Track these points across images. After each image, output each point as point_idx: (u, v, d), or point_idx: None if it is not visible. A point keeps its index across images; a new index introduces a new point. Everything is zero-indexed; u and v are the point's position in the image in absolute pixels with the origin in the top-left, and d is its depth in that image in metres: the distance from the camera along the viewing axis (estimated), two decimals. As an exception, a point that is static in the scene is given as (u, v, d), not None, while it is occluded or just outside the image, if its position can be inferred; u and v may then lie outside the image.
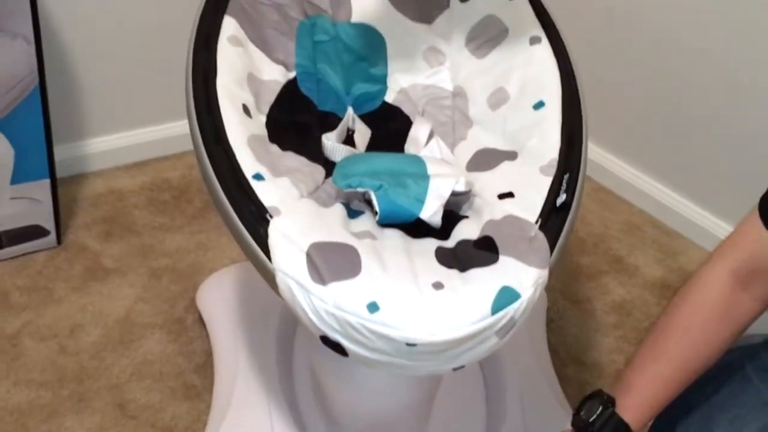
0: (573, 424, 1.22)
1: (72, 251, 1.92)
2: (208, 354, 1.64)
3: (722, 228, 2.05)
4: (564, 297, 1.92)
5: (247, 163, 1.10)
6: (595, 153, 2.34)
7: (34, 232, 1.88)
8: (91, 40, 2.02)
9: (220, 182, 1.10)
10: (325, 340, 0.99)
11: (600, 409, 1.20)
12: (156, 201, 2.10)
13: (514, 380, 1.52)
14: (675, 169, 2.15)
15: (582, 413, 1.22)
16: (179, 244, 1.97)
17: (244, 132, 1.15)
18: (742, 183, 1.88)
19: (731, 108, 1.95)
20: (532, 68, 1.31)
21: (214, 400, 1.51)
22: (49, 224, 1.89)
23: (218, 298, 1.72)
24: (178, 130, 2.25)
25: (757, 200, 1.19)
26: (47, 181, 1.84)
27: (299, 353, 1.57)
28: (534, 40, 1.34)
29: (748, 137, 1.94)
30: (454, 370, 1.00)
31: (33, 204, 1.84)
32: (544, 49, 1.32)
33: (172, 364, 1.67)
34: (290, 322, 1.62)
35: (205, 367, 1.65)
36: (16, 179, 1.79)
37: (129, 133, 2.22)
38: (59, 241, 1.92)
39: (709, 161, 2.05)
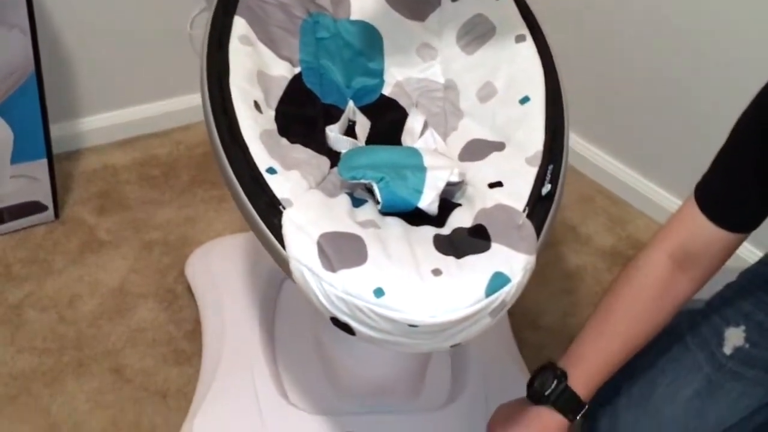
0: (528, 394, 1.25)
1: (69, 225, 1.93)
2: (197, 322, 1.66)
3: (666, 198, 2.09)
4: (522, 264, 1.94)
5: (261, 158, 1.13)
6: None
7: (34, 207, 1.88)
8: (83, 26, 2.02)
9: (236, 177, 1.12)
10: (335, 321, 1.02)
11: (554, 382, 1.22)
12: (146, 176, 2.11)
13: (475, 345, 1.55)
14: (624, 143, 2.18)
15: (536, 385, 1.24)
16: (169, 217, 1.98)
17: (256, 129, 1.17)
18: (685, 157, 1.91)
19: (677, 88, 1.97)
20: (518, 65, 1.33)
21: (202, 365, 1.53)
22: (47, 200, 1.89)
23: (206, 269, 1.73)
24: (166, 107, 2.26)
25: (700, 173, 1.21)
26: (44, 161, 1.85)
27: (279, 320, 1.59)
28: (519, 38, 1.35)
29: (692, 115, 1.96)
30: (452, 347, 1.04)
31: (32, 182, 1.84)
32: (529, 47, 1.34)
33: (164, 331, 1.69)
34: (272, 291, 1.64)
35: (194, 333, 1.67)
36: (15, 159, 1.80)
37: (120, 111, 2.22)
38: (57, 215, 1.93)
39: (655, 137, 2.09)
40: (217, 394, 1.42)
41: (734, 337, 1.29)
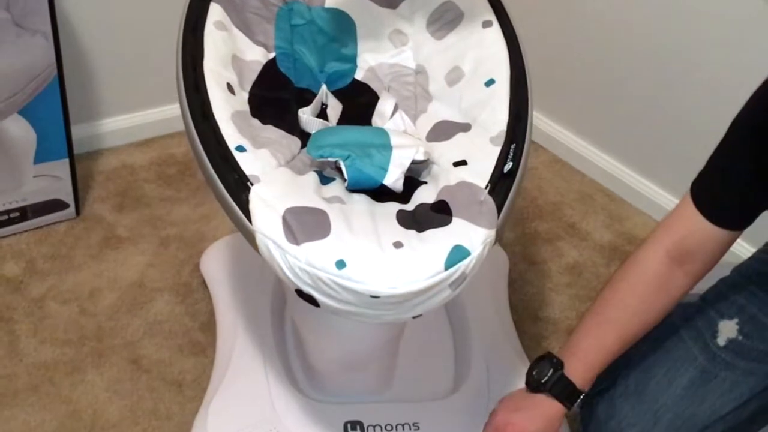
0: (527, 383, 1.26)
1: (89, 222, 1.93)
2: (211, 314, 1.66)
3: (663, 197, 2.09)
4: (523, 259, 1.95)
5: (231, 137, 1.13)
6: (551, 128, 2.36)
7: (56, 205, 1.89)
8: (103, 32, 2.03)
9: (207, 154, 1.12)
10: (300, 293, 1.03)
11: (551, 371, 1.23)
12: (163, 175, 2.11)
13: (479, 336, 1.55)
14: (623, 143, 2.18)
15: (534, 373, 1.24)
16: (185, 214, 1.98)
17: (228, 109, 1.17)
18: (681, 157, 1.91)
19: (674, 88, 1.97)
20: (485, 49, 1.33)
21: (216, 356, 1.53)
22: (68, 198, 1.90)
23: (220, 264, 1.73)
24: (182, 110, 2.25)
25: (695, 172, 1.21)
26: (66, 161, 1.86)
27: (290, 312, 1.59)
28: (486, 24, 1.36)
29: (688, 118, 1.96)
30: (414, 318, 1.04)
31: (54, 180, 1.85)
32: (496, 32, 1.35)
33: (180, 323, 1.69)
34: (282, 285, 1.64)
35: (209, 325, 1.67)
36: (38, 159, 1.81)
37: (138, 113, 2.22)
38: (78, 212, 1.94)
39: (653, 137, 2.08)
40: (231, 384, 1.43)
41: (728, 329, 1.29)
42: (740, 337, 1.27)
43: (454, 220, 1.05)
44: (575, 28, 2.18)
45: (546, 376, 1.23)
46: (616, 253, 1.99)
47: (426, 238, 1.03)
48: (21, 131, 1.75)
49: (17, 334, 1.63)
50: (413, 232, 1.04)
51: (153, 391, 1.54)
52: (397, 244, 1.00)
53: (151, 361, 1.60)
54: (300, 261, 0.99)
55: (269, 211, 1.03)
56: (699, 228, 1.19)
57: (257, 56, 1.35)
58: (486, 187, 1.11)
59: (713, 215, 1.17)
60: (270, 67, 1.35)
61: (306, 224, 1.01)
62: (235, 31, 1.34)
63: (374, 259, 0.98)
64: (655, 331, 1.28)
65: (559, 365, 1.23)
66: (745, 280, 1.33)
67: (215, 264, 1.74)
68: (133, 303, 1.73)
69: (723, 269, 1.31)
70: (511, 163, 1.15)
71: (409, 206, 1.12)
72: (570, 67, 2.23)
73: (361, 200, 1.13)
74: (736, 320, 1.29)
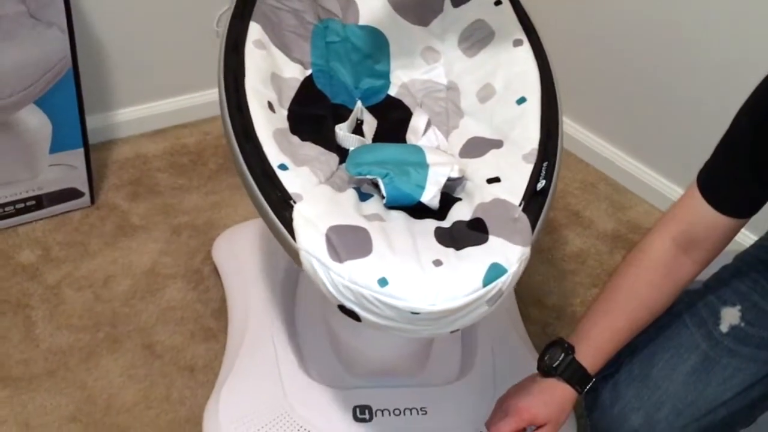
0: (538, 368, 1.25)
1: (104, 210, 1.93)
2: (223, 301, 1.67)
3: (665, 185, 2.08)
4: (529, 247, 1.93)
5: (273, 155, 1.14)
6: (556, 119, 2.33)
7: (71, 193, 1.89)
8: (117, 25, 2.03)
9: (250, 173, 1.13)
10: (342, 309, 1.04)
11: (562, 356, 1.22)
12: (176, 164, 2.11)
13: (485, 322, 1.53)
14: (626, 133, 2.17)
15: (546, 358, 1.24)
16: (196, 203, 1.98)
17: (269, 127, 1.18)
18: (683, 147, 1.89)
19: (679, 78, 1.95)
20: (516, 67, 1.34)
21: (228, 341, 1.54)
22: (83, 187, 1.90)
23: (231, 251, 1.74)
24: (194, 100, 2.26)
25: (695, 161, 1.20)
26: (81, 150, 1.86)
27: (300, 299, 1.59)
28: (517, 42, 1.36)
29: (692, 105, 1.94)
30: (451, 332, 1.06)
31: (69, 170, 1.85)
32: (526, 50, 1.35)
33: (192, 309, 1.69)
34: (293, 272, 1.63)
35: (220, 312, 1.67)
36: (54, 149, 1.81)
37: (152, 103, 2.22)
38: (92, 201, 1.93)
39: (655, 126, 2.07)
40: (242, 369, 1.43)
41: (730, 316, 1.28)
42: (743, 324, 1.26)
43: (491, 238, 1.06)
44: (575, 20, 2.17)
45: (557, 360, 1.22)
46: (619, 241, 1.98)
47: (464, 256, 1.03)
48: (37, 121, 1.75)
49: (34, 320, 1.63)
50: (451, 250, 1.05)
51: (166, 376, 1.54)
52: (437, 263, 1.01)
53: (164, 346, 1.60)
54: (344, 278, 0.99)
55: (312, 229, 1.04)
56: (705, 216, 1.18)
57: (295, 73, 1.36)
58: (520, 205, 1.11)
59: (719, 204, 1.16)
60: (307, 83, 1.37)
61: (348, 242, 1.02)
62: (274, 49, 1.34)
63: (415, 278, 0.99)
64: (659, 318, 1.27)
65: (570, 350, 1.23)
66: (747, 268, 1.32)
67: (226, 251, 1.74)
68: (147, 290, 1.72)
69: (725, 257, 1.30)
70: (543, 181, 1.15)
71: (446, 223, 1.12)
72: (573, 59, 2.22)
73: (399, 217, 1.14)
74: (738, 307, 1.28)
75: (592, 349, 1.23)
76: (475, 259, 1.02)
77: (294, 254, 1.05)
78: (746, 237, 1.59)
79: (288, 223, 1.06)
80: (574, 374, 1.22)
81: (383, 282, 0.98)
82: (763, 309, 1.27)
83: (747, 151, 1.13)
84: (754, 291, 1.28)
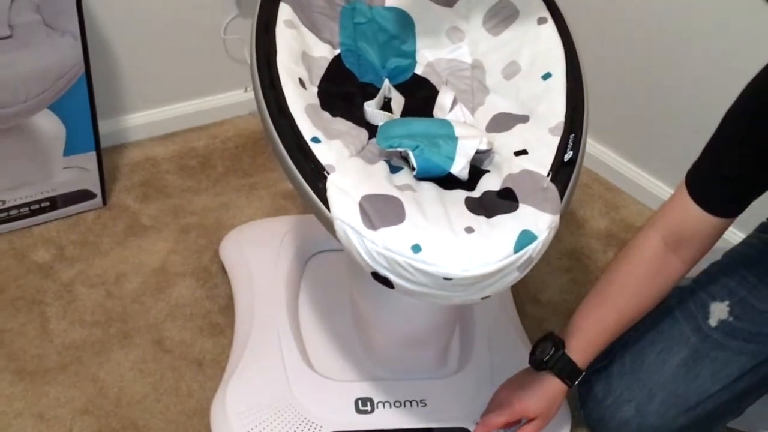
0: (530, 362, 1.25)
1: (115, 211, 1.92)
2: (230, 297, 1.66)
3: (657, 186, 2.07)
4: (525, 245, 1.93)
5: (306, 129, 1.14)
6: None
7: (84, 195, 1.88)
8: (128, 32, 2.03)
9: (284, 146, 1.13)
10: (376, 276, 1.03)
11: (552, 350, 1.22)
12: (185, 167, 2.10)
13: (482, 317, 1.54)
14: (619, 134, 2.16)
15: (537, 353, 1.24)
16: (205, 204, 1.97)
17: (301, 102, 1.18)
18: (674, 148, 1.89)
19: (670, 80, 1.94)
20: (540, 44, 1.33)
21: (235, 336, 1.54)
22: (95, 188, 1.89)
23: (238, 250, 1.72)
24: (202, 105, 2.26)
25: (686, 163, 1.21)
26: (93, 153, 1.84)
27: (304, 296, 1.59)
28: (541, 21, 1.35)
29: (681, 110, 1.94)
30: (482, 299, 1.05)
31: (82, 172, 1.85)
32: (550, 28, 1.34)
33: (200, 306, 1.68)
34: (297, 270, 1.64)
35: (228, 308, 1.66)
36: (67, 152, 1.80)
37: (161, 108, 2.21)
38: (104, 202, 1.93)
39: (647, 130, 2.06)
40: (248, 363, 1.44)
41: (719, 311, 1.28)
42: (731, 319, 1.27)
43: (521, 206, 1.06)
44: (571, 23, 2.16)
45: (548, 355, 1.23)
46: (613, 239, 1.98)
47: (495, 223, 1.03)
48: (51, 126, 1.75)
49: (48, 317, 1.63)
50: (482, 217, 1.05)
51: (175, 370, 1.54)
52: (469, 230, 1.01)
53: (173, 341, 1.60)
54: (377, 245, 0.99)
55: (346, 199, 1.04)
56: (693, 216, 1.18)
57: (324, 53, 1.36)
58: (548, 175, 1.10)
59: (707, 204, 1.17)
60: (336, 62, 1.36)
61: (382, 210, 1.02)
62: (304, 29, 1.34)
63: (448, 244, 0.99)
64: (650, 312, 1.27)
65: (560, 345, 1.23)
66: (735, 265, 1.32)
67: (234, 250, 1.73)
68: (156, 287, 1.72)
69: (714, 254, 1.31)
70: (571, 152, 1.14)
71: (476, 193, 1.12)
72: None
73: (430, 188, 1.13)
74: (727, 302, 1.28)
75: (583, 342, 1.24)
76: (506, 226, 1.02)
77: (328, 224, 1.05)
78: (734, 235, 1.60)
79: (322, 194, 1.06)
80: (564, 368, 1.23)
81: (416, 248, 0.98)
82: (751, 304, 1.27)
83: (736, 150, 1.13)
84: (741, 287, 1.29)
